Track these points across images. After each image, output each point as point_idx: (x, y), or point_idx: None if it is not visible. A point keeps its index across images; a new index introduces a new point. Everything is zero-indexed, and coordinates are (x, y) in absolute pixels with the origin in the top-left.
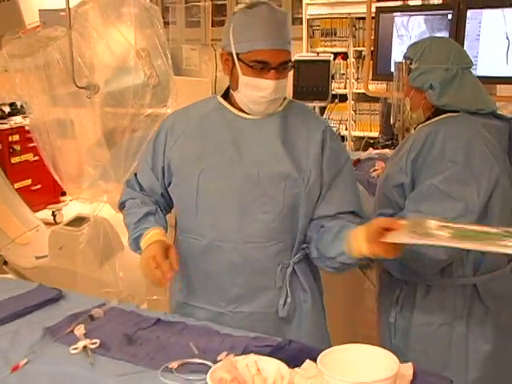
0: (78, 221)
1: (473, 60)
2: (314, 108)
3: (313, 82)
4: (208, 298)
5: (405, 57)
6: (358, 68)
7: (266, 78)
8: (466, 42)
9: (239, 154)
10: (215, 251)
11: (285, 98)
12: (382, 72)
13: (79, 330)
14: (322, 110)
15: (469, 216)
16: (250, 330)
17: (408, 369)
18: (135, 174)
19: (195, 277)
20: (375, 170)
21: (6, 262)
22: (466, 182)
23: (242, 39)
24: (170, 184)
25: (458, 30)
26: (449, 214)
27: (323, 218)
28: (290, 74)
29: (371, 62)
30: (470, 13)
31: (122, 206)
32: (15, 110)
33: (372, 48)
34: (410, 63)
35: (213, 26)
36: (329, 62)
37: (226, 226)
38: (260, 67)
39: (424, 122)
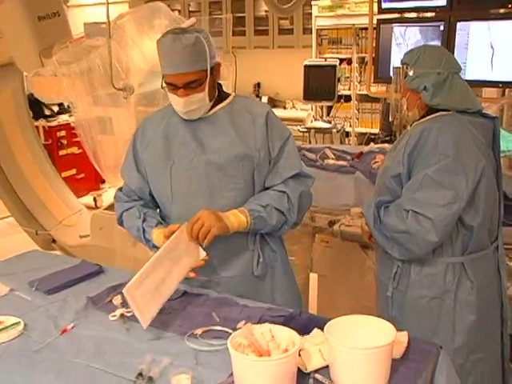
0: None
1: (462, 66)
2: (322, 107)
3: (321, 84)
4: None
5: (402, 62)
6: (360, 72)
7: (177, 95)
8: (455, 50)
9: (201, 146)
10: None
11: (231, 94)
12: (382, 75)
13: (117, 300)
14: (329, 108)
15: (458, 203)
16: (233, 292)
17: (403, 336)
18: (119, 189)
19: None
20: (375, 162)
21: (54, 241)
22: (455, 172)
23: (161, 64)
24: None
25: (448, 40)
26: (440, 201)
27: (274, 186)
28: (301, 76)
29: (372, 67)
30: (459, 25)
31: (120, 222)
32: (62, 110)
33: (373, 54)
34: (407, 68)
35: (233, 35)
36: (335, 66)
37: (199, 207)
38: (171, 88)
39: (419, 119)
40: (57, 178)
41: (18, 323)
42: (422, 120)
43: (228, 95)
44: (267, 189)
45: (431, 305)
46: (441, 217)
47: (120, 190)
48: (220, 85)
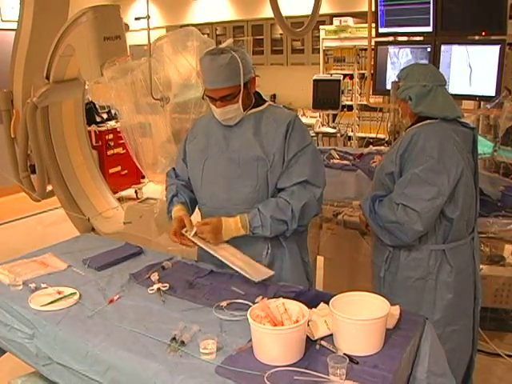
0: (148, 200)
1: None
2: (328, 115)
3: (327, 95)
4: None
5: (397, 76)
6: (361, 85)
7: (215, 106)
8: (440, 68)
9: (227, 145)
10: (213, 215)
11: (266, 103)
12: (379, 89)
13: (154, 277)
14: (334, 116)
15: (440, 198)
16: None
17: (396, 310)
18: (173, 168)
19: None
20: (374, 162)
21: (93, 229)
22: (439, 172)
23: (202, 79)
24: None
25: (434, 59)
26: (425, 196)
27: (282, 189)
28: (310, 88)
29: (371, 82)
30: (443, 47)
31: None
32: (110, 117)
33: (372, 71)
34: (399, 81)
35: (253, 54)
36: (339, 80)
37: (220, 196)
38: (210, 99)
39: (410, 126)
40: (100, 178)
41: (74, 293)
42: (412, 127)
43: (264, 103)
44: (279, 190)
45: (416, 284)
46: (426, 209)
47: (174, 169)
48: (259, 93)
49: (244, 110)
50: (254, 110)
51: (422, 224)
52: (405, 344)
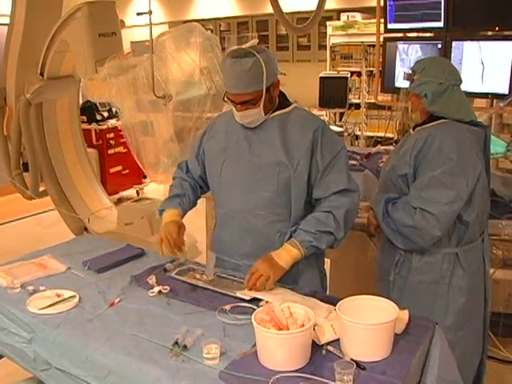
0: (142, 200)
1: None
2: (335, 113)
3: (334, 93)
4: (228, 252)
5: (411, 69)
6: (369, 83)
7: (236, 110)
8: None
9: (249, 147)
10: (230, 219)
11: (291, 104)
12: (387, 86)
13: (152, 280)
14: (341, 115)
15: (459, 201)
16: None
17: (405, 314)
18: (186, 160)
19: (220, 236)
20: (382, 162)
21: (85, 229)
22: (457, 174)
23: (224, 82)
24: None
25: (445, 56)
26: (444, 200)
27: (319, 199)
28: (316, 86)
29: (379, 79)
30: (454, 43)
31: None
32: (111, 115)
33: (380, 68)
34: (414, 74)
35: None
36: (346, 78)
37: (237, 199)
38: (231, 102)
39: (421, 124)
40: (95, 177)
41: (74, 296)
42: (424, 126)
43: (289, 104)
44: (316, 200)
45: (429, 289)
46: (444, 214)
47: (186, 162)
48: (283, 94)
49: (266, 114)
50: (278, 112)
51: (440, 228)
52: (414, 349)
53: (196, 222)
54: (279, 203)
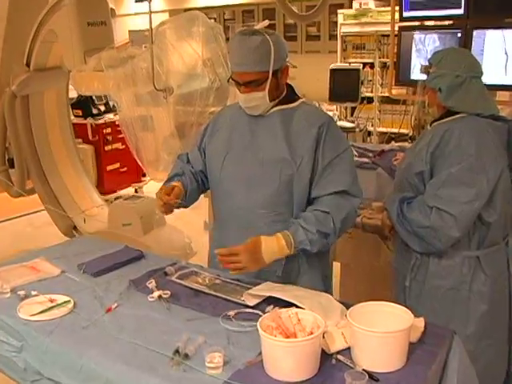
0: (134, 198)
1: None
2: (346, 108)
3: (345, 86)
4: None
5: (428, 60)
6: (382, 76)
7: (240, 91)
8: None
9: (253, 141)
10: (230, 217)
11: (299, 99)
12: (402, 79)
13: (151, 284)
14: (353, 109)
15: (479, 200)
16: (257, 282)
17: (420, 322)
18: (187, 152)
19: (219, 236)
20: (396, 160)
21: (75, 227)
22: (477, 171)
23: (229, 61)
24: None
25: (465, 46)
26: (462, 199)
27: (317, 198)
28: (326, 79)
29: (394, 71)
30: (475, 32)
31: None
32: (108, 109)
33: (394, 59)
34: (430, 67)
35: None
36: (359, 70)
37: (238, 196)
38: (236, 83)
39: (438, 119)
40: (85, 176)
41: (68, 301)
42: (442, 120)
43: (297, 99)
44: (313, 199)
45: (447, 294)
46: (463, 213)
47: (187, 153)
48: (291, 87)
49: (271, 101)
50: (284, 107)
51: (458, 229)
52: (430, 360)
53: (192, 221)
54: (281, 202)
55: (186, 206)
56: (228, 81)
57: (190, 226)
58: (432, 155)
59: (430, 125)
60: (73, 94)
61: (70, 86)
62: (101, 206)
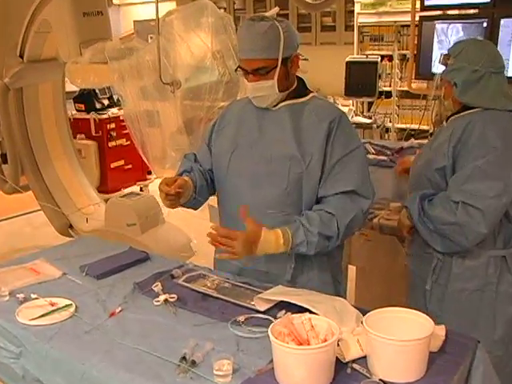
0: (132, 195)
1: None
2: (363, 103)
3: (362, 80)
4: None
5: (447, 50)
6: (401, 69)
7: (247, 80)
8: (498, 46)
9: (261, 137)
10: (236, 217)
11: (310, 93)
12: (423, 72)
13: (157, 287)
14: (370, 104)
15: (506, 195)
16: (268, 287)
17: (441, 330)
18: (194, 152)
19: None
20: None
21: (71, 226)
22: (504, 165)
23: (238, 48)
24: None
25: (491, 36)
26: (489, 193)
27: (324, 197)
28: (342, 72)
29: (414, 64)
30: (503, 21)
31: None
32: (112, 103)
33: (415, 51)
34: (448, 58)
35: None
36: (376, 63)
37: (244, 195)
38: (243, 72)
39: (454, 114)
40: (82, 173)
41: (69, 305)
42: (460, 114)
43: (308, 93)
44: (320, 198)
45: (472, 297)
46: (491, 208)
47: (193, 152)
48: (302, 80)
49: (280, 91)
50: (294, 101)
51: (486, 225)
52: (452, 371)
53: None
54: (289, 202)
55: (195, 208)
56: (236, 70)
57: (195, 226)
58: (454, 149)
59: (447, 120)
60: (74, 88)
61: (67, 79)
62: (98, 203)
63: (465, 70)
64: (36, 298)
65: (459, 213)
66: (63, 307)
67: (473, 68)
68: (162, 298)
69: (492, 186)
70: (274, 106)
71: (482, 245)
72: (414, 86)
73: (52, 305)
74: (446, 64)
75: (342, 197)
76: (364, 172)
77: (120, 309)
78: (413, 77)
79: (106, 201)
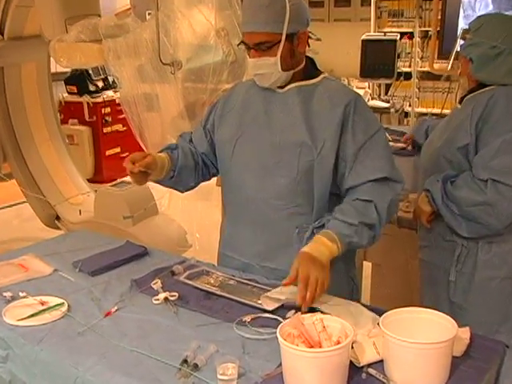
0: (123, 184)
1: None
2: (380, 85)
3: (379, 60)
4: (239, 250)
5: (468, 24)
6: (423, 47)
7: (249, 57)
8: None
9: (268, 122)
10: (242, 210)
11: (320, 74)
12: (447, 51)
13: (156, 285)
14: (387, 86)
15: None
16: (276, 284)
17: (465, 333)
18: (190, 132)
19: (230, 231)
20: None
21: (58, 218)
22: None
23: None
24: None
25: None
26: None
27: (354, 187)
28: (357, 51)
29: (437, 42)
30: None
31: None
32: (107, 85)
33: (438, 28)
34: (467, 32)
35: None
36: (395, 41)
37: (251, 186)
38: (246, 47)
39: (469, 93)
40: (70, 160)
41: (61, 304)
42: (482, 90)
43: (318, 74)
44: (347, 190)
45: (502, 286)
46: None
47: (190, 132)
48: (312, 61)
49: (284, 70)
50: (303, 83)
51: None
52: (477, 378)
53: (195, 215)
54: (299, 192)
55: (180, 189)
56: (238, 45)
57: (198, 219)
58: (477, 125)
59: (460, 101)
60: (65, 68)
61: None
62: (88, 193)
63: (482, 45)
64: (25, 297)
65: (489, 191)
66: (54, 306)
67: (491, 44)
68: (161, 296)
69: None
70: (282, 88)
71: (510, 228)
72: (436, 66)
73: (42, 304)
74: (465, 39)
75: (374, 184)
76: (389, 155)
77: (116, 308)
78: (435, 56)
79: None
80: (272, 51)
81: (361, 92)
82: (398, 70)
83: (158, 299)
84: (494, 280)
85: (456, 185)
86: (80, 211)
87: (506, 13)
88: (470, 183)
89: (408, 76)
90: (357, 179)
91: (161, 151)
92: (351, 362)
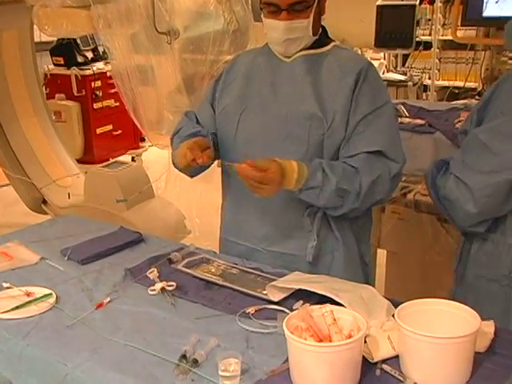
0: (116, 164)
1: None
2: (397, 56)
3: (396, 28)
4: (243, 235)
5: None
6: (444, 13)
7: (278, 20)
8: None
9: (274, 94)
10: (245, 194)
11: (331, 43)
12: (472, 17)
13: (153, 274)
14: (405, 57)
15: (504, 172)
16: (282, 273)
17: (489, 326)
18: (194, 111)
19: (233, 214)
20: (460, 122)
21: (45, 201)
22: (509, 136)
23: None
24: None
25: None
26: (484, 167)
27: (346, 158)
28: (372, 19)
29: (461, 7)
30: None
31: (176, 132)
32: (98, 56)
33: None
34: None
35: None
36: (414, 6)
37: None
38: (272, 10)
39: None
40: (57, 139)
41: (49, 295)
42: None
43: (328, 42)
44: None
45: (489, 287)
46: (479, 186)
47: (194, 112)
48: (324, 28)
49: (313, 35)
50: (312, 51)
51: (475, 205)
52: (503, 376)
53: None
54: None
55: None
56: (260, 8)
57: (198, 204)
58: (478, 112)
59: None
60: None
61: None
62: (77, 175)
63: None
64: (9, 287)
65: (449, 186)
66: (41, 298)
67: None
68: (158, 286)
69: (487, 159)
70: (289, 58)
71: (502, 230)
72: (459, 34)
73: (28, 295)
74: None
75: (367, 156)
76: (392, 132)
77: (109, 299)
78: (458, 23)
79: None
80: (306, 13)
81: (375, 63)
82: (417, 39)
83: (154, 289)
84: (481, 279)
85: (444, 172)
86: (69, 194)
87: None
88: (445, 173)
89: (428, 45)
90: (351, 150)
91: (192, 135)
92: (364, 357)
